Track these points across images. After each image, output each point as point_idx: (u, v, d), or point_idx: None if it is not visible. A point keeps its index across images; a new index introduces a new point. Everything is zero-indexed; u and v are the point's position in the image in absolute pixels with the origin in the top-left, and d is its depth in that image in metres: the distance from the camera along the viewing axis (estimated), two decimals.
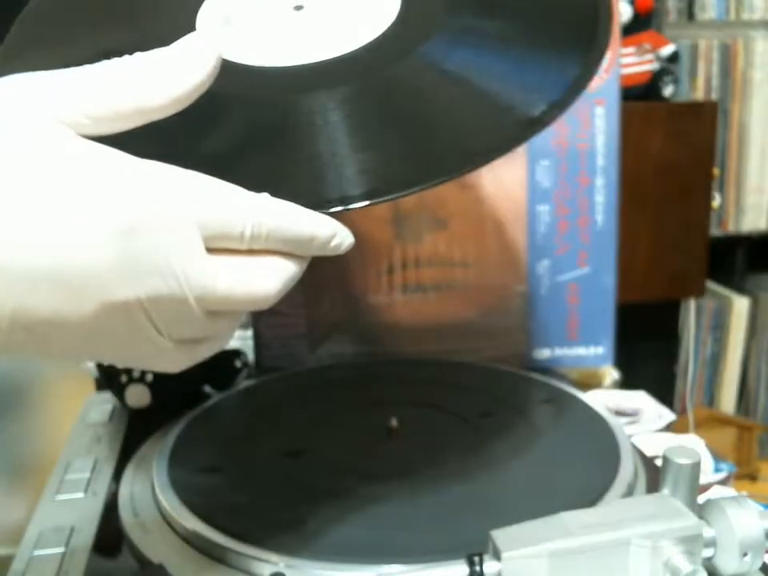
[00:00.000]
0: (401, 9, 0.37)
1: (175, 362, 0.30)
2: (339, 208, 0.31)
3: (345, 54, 0.35)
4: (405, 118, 0.34)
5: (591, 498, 0.39)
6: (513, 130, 0.34)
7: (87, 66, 0.28)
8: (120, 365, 0.30)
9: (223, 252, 0.28)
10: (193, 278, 0.27)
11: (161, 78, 0.28)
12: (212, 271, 0.28)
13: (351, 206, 0.31)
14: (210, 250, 0.28)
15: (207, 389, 0.58)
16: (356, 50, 0.35)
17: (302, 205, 0.30)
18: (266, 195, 0.29)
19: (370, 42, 0.36)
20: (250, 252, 0.29)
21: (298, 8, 0.38)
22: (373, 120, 0.34)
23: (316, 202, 0.31)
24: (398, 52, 0.35)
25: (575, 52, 0.37)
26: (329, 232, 0.31)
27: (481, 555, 0.31)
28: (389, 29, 0.36)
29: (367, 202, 0.31)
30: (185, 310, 0.28)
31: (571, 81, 0.37)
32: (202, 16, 0.37)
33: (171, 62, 0.29)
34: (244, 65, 0.35)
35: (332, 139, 0.33)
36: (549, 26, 0.38)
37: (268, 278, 0.30)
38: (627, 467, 0.43)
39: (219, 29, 0.37)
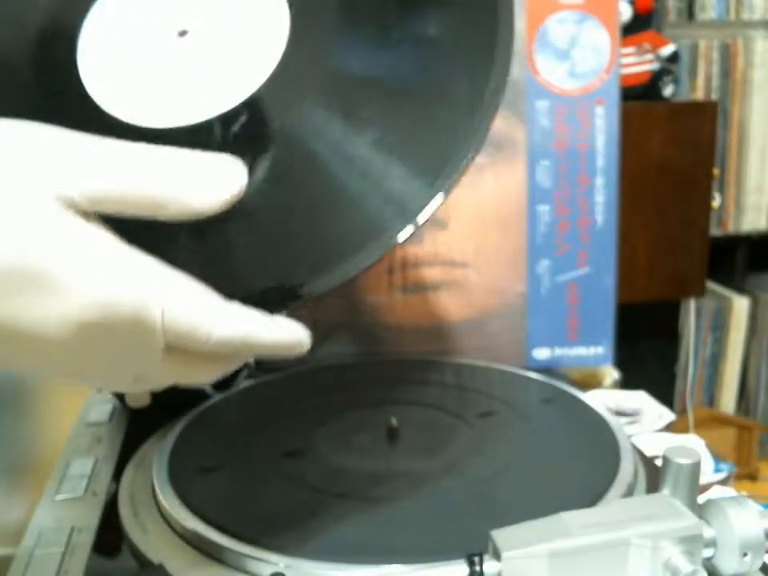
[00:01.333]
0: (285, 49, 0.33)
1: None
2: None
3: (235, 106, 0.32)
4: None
5: (591, 498, 0.39)
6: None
7: (115, 145, 0.27)
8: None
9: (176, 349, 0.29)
10: (145, 376, 0.29)
11: (198, 182, 0.28)
12: (165, 373, 0.29)
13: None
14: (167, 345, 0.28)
15: (207, 389, 0.58)
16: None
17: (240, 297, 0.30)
18: (235, 303, 0.29)
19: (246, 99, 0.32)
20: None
21: (183, 33, 0.34)
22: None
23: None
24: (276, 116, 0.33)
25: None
26: (293, 340, 0.31)
27: (481, 555, 0.31)
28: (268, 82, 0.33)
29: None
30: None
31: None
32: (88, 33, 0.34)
33: (205, 168, 0.28)
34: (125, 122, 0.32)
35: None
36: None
37: (210, 374, 0.31)
38: (627, 467, 0.43)
39: (104, 58, 0.33)
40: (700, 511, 0.33)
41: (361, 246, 0.33)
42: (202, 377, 0.31)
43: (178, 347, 0.29)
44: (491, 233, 0.64)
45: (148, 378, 0.30)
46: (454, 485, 0.42)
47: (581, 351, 0.66)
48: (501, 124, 0.63)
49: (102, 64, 0.34)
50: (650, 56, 1.19)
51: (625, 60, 1.15)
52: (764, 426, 1.65)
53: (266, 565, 0.35)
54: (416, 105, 0.34)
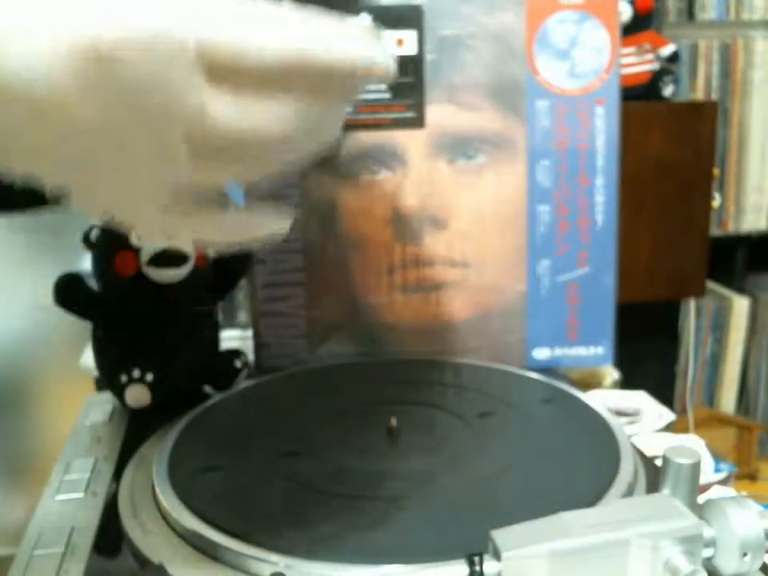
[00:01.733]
0: None
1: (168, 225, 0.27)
2: None
3: None
4: None
5: (591, 498, 0.39)
6: None
7: None
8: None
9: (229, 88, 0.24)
10: (186, 116, 0.23)
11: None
12: (211, 112, 0.24)
13: None
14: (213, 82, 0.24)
15: (207, 389, 0.58)
16: None
17: None
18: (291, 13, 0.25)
19: None
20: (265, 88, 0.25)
21: None
22: None
23: None
24: None
25: None
26: (368, 58, 0.27)
27: (481, 555, 0.31)
28: None
29: None
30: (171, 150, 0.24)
31: None
32: None
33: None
34: None
35: None
36: None
37: (268, 115, 0.26)
38: (627, 467, 0.43)
39: None
40: (700, 511, 0.33)
41: None
42: (259, 117, 0.25)
43: (225, 74, 0.24)
44: (491, 233, 0.64)
45: (200, 134, 0.24)
46: (454, 485, 0.42)
47: (581, 351, 0.66)
48: (501, 124, 0.63)
49: None
50: (649, 56, 1.19)
51: (625, 60, 1.15)
52: (764, 426, 1.65)
53: (266, 565, 0.35)
54: None
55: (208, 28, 0.23)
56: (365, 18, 0.54)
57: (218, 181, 0.27)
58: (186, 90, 0.23)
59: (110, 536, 0.41)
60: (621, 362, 0.70)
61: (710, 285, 1.61)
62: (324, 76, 0.26)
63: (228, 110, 0.24)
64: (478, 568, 0.30)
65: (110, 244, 0.54)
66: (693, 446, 0.58)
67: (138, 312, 0.54)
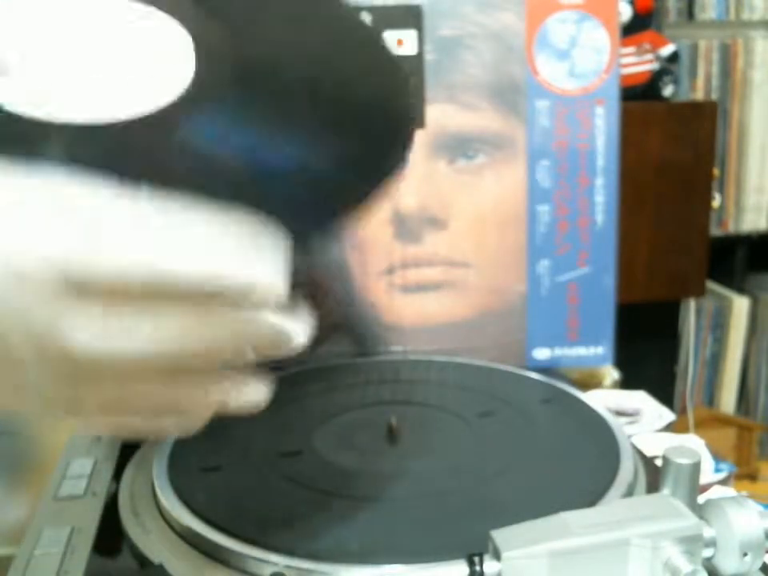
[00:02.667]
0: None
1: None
2: None
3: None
4: None
5: (591, 498, 0.39)
6: None
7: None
8: None
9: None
10: (36, 335, 0.22)
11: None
12: (68, 332, 0.22)
13: None
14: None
15: None
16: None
17: None
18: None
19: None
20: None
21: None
22: None
23: None
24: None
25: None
26: (265, 282, 0.24)
27: (481, 555, 0.31)
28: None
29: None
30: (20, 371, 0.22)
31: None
32: None
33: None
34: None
35: None
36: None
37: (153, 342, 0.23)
38: (627, 467, 0.43)
39: None
40: (700, 511, 0.33)
41: None
42: (126, 338, 0.23)
43: (85, 293, 0.22)
44: (491, 233, 0.64)
45: (57, 354, 0.22)
46: (454, 485, 0.42)
47: (581, 351, 0.66)
48: (501, 124, 0.63)
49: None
50: (649, 56, 1.19)
51: (625, 60, 1.15)
52: (764, 426, 1.65)
53: (265, 565, 0.35)
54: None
55: (64, 246, 0.22)
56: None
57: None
58: (37, 308, 0.22)
59: (109, 536, 0.40)
60: (621, 361, 0.70)
61: (710, 285, 1.61)
62: (193, 294, 0.23)
63: (89, 331, 0.22)
64: (477, 568, 0.30)
65: None
66: (693, 446, 0.58)
67: None
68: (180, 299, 0.23)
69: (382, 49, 0.37)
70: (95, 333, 0.23)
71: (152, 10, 0.34)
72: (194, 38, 0.33)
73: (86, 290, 0.22)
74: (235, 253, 0.24)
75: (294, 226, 0.29)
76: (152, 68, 0.32)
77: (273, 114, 0.32)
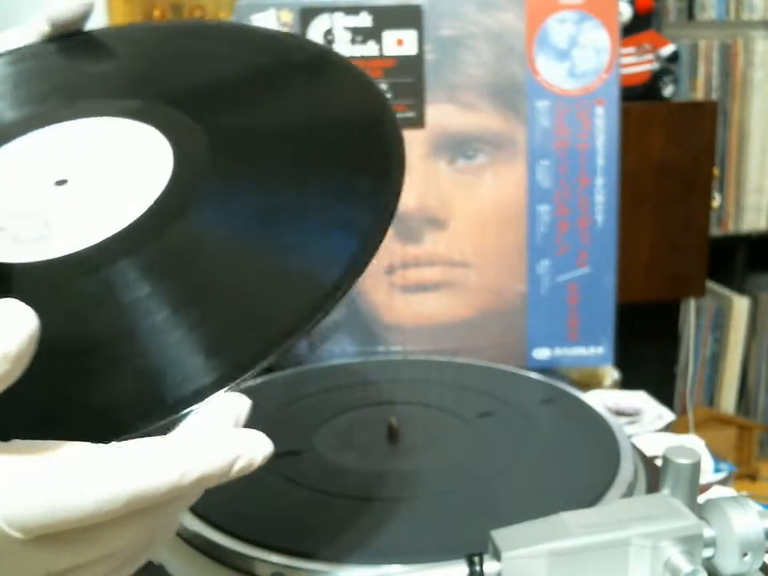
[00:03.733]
0: (173, 173, 0.33)
1: None
2: (196, 406, 0.27)
3: (124, 228, 0.31)
4: (211, 287, 0.30)
5: (591, 498, 0.39)
6: (314, 299, 0.30)
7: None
8: None
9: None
10: None
11: None
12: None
13: (209, 399, 0.27)
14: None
15: None
16: (135, 220, 0.31)
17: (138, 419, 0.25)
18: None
19: (148, 210, 0.32)
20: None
21: (61, 183, 0.33)
22: (185, 290, 0.29)
23: (166, 407, 0.26)
24: (174, 215, 0.31)
25: (368, 208, 0.34)
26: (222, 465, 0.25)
27: (481, 555, 0.31)
28: (161, 195, 0.32)
29: (226, 389, 0.27)
30: None
31: (368, 241, 0.33)
32: None
33: None
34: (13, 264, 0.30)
35: (153, 318, 0.28)
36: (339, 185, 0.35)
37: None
38: (627, 467, 0.43)
39: None
40: (700, 511, 0.33)
41: None
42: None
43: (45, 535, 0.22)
44: (491, 233, 0.64)
45: None
46: (454, 485, 0.42)
47: (581, 351, 0.66)
48: (501, 124, 0.63)
49: None
50: (649, 56, 1.19)
51: (625, 60, 1.15)
52: (764, 426, 1.65)
53: (265, 565, 0.35)
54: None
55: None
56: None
57: None
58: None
59: None
60: (621, 361, 0.70)
61: (710, 285, 1.61)
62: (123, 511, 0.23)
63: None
64: (477, 568, 0.30)
65: None
66: (693, 446, 0.58)
67: None
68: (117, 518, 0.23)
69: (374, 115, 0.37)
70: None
71: (124, 121, 0.36)
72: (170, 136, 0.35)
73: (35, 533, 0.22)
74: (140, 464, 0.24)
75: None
76: (135, 175, 0.33)
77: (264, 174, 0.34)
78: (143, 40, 0.42)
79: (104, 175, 0.34)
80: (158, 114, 0.36)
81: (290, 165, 0.34)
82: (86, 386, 0.27)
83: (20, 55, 0.40)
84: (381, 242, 0.33)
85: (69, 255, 0.30)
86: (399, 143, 0.36)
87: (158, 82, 0.38)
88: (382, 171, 0.36)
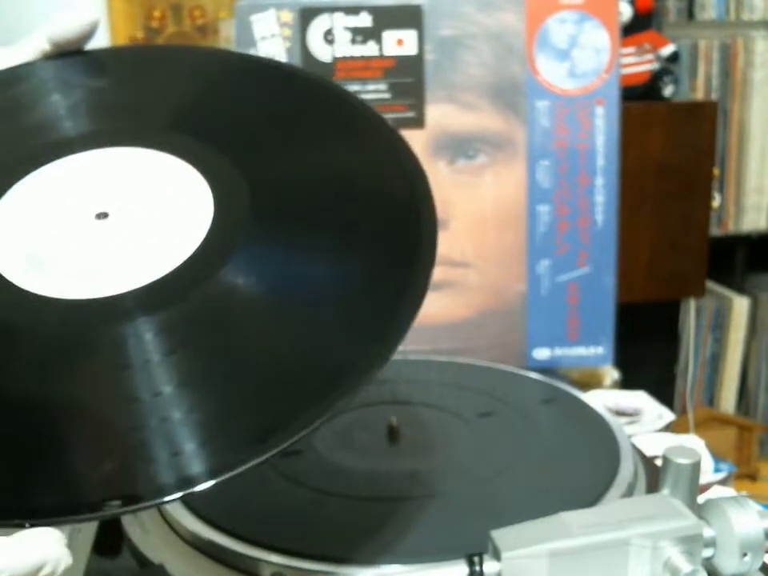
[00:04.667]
0: (213, 219, 0.32)
1: None
2: (179, 494, 0.24)
3: (153, 281, 0.30)
4: (230, 360, 0.28)
5: (591, 498, 0.39)
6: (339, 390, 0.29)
7: None
8: None
9: None
10: None
11: None
12: None
13: (196, 490, 0.24)
14: None
15: None
16: (164, 275, 0.30)
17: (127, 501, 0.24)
18: None
19: (180, 265, 0.30)
20: None
21: (102, 216, 0.32)
22: (200, 360, 0.28)
23: (148, 491, 0.24)
24: (204, 275, 0.30)
25: (394, 292, 0.33)
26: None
27: (481, 555, 0.31)
28: (200, 247, 0.31)
29: (213, 482, 0.25)
30: None
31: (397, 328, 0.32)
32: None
33: None
34: (42, 296, 0.29)
35: (156, 390, 0.26)
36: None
37: None
38: (627, 467, 0.43)
39: (23, 268, 0.31)
40: (700, 511, 0.33)
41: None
42: None
43: None
44: (491, 233, 0.64)
45: None
46: (454, 485, 0.42)
47: (581, 351, 0.66)
48: (501, 124, 0.63)
49: (16, 247, 0.31)
50: (649, 56, 1.19)
51: (625, 60, 1.15)
52: (764, 426, 1.65)
53: (265, 565, 0.35)
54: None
55: None
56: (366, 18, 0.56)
57: None
58: None
59: (109, 536, 0.40)
60: (621, 362, 0.70)
61: (710, 285, 1.61)
62: None
63: None
64: (477, 568, 0.30)
65: None
66: (693, 446, 0.58)
67: None
68: None
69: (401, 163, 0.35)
70: None
71: (167, 157, 0.34)
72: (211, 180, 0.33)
73: None
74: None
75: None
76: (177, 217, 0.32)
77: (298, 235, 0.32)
78: (179, 67, 0.39)
79: (144, 213, 0.32)
80: (195, 150, 0.34)
81: (330, 233, 0.32)
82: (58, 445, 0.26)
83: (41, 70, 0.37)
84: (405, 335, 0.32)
85: (84, 300, 0.29)
86: (434, 228, 0.34)
87: (197, 114, 0.36)
88: (415, 263, 0.33)
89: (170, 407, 0.26)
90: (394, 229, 0.34)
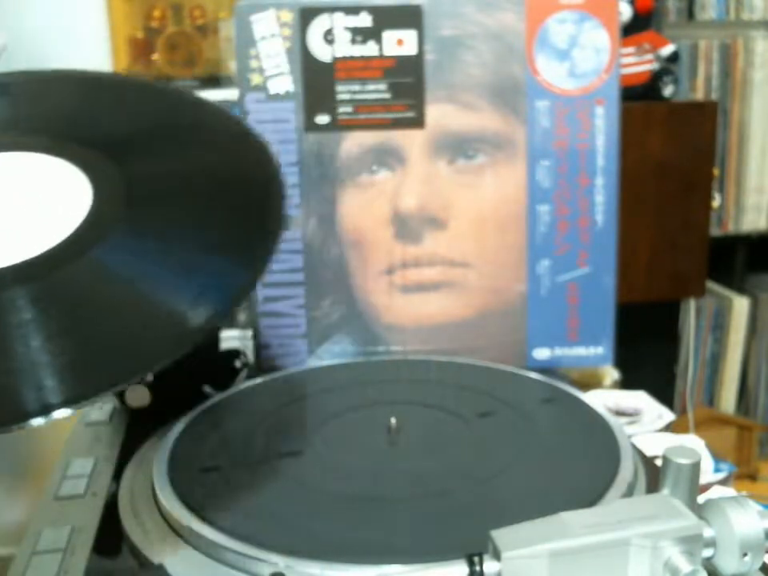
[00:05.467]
0: (90, 208, 0.39)
1: None
2: (41, 419, 0.31)
3: (28, 258, 0.37)
4: (85, 321, 0.35)
5: (591, 498, 0.39)
6: (177, 338, 0.35)
7: None
8: None
9: None
10: None
11: None
12: None
13: (54, 415, 0.31)
14: None
15: (207, 389, 0.58)
16: (39, 254, 0.37)
17: None
18: None
19: (54, 246, 0.37)
20: None
21: None
22: (61, 322, 0.35)
23: (14, 415, 0.31)
24: (74, 254, 0.37)
25: (241, 261, 0.39)
26: None
27: (481, 555, 0.31)
28: (72, 233, 0.38)
29: (70, 411, 0.31)
30: None
31: (235, 290, 0.38)
32: None
33: None
34: None
35: (26, 343, 0.33)
36: (218, 230, 0.40)
37: None
38: (627, 467, 0.43)
39: None
40: (700, 511, 0.33)
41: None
42: None
43: None
44: (491, 233, 0.64)
45: None
46: (454, 485, 0.42)
47: (581, 351, 0.66)
48: (501, 124, 0.63)
49: None
50: (649, 56, 1.19)
51: (625, 60, 1.15)
52: (764, 426, 1.65)
53: (265, 565, 0.35)
54: None
55: None
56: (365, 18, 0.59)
57: None
58: None
59: (109, 536, 0.41)
60: (621, 362, 0.70)
61: (710, 285, 1.61)
62: None
63: None
64: (477, 568, 0.30)
65: None
66: (693, 446, 0.58)
67: None
68: None
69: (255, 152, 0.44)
70: None
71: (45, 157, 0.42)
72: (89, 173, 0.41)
73: None
74: None
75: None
76: (54, 206, 0.39)
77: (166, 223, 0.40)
78: (61, 88, 0.48)
79: (32, 205, 0.39)
80: (75, 151, 0.42)
81: (186, 218, 0.40)
82: None
83: None
84: (247, 295, 0.39)
85: None
86: (280, 205, 0.41)
87: (79, 124, 0.45)
88: (261, 231, 0.40)
89: (38, 355, 0.33)
90: (248, 204, 0.41)
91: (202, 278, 0.38)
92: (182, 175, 0.42)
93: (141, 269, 0.37)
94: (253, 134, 0.44)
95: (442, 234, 0.64)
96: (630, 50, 1.17)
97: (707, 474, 0.65)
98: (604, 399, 0.71)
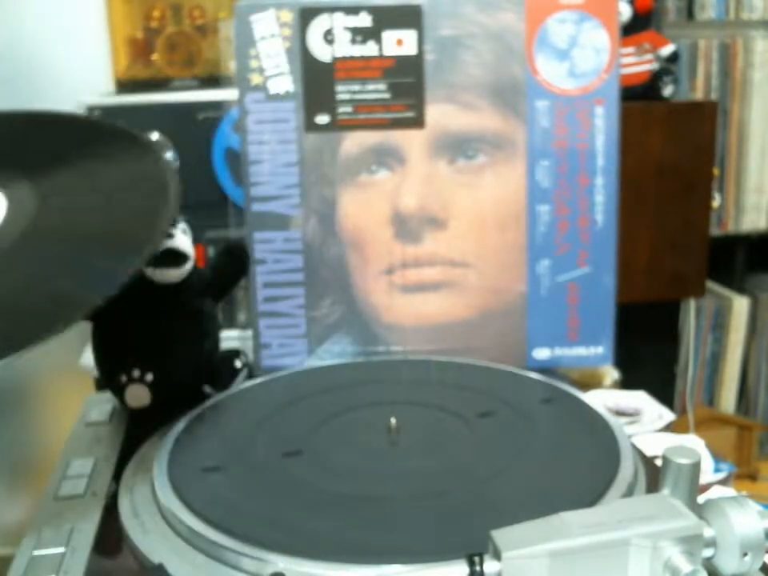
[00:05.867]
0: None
1: None
2: None
3: None
4: None
5: (591, 498, 0.39)
6: (60, 316, 0.39)
7: None
8: None
9: None
10: None
11: None
12: None
13: None
14: None
15: (207, 389, 0.58)
16: None
17: None
18: None
19: None
20: None
21: None
22: None
23: None
24: None
25: (126, 250, 0.44)
26: None
27: (481, 555, 0.31)
28: None
29: None
30: None
31: (117, 277, 0.42)
32: None
33: None
34: None
35: None
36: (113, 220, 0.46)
37: None
38: (627, 467, 0.43)
39: None
40: (700, 511, 0.33)
41: None
42: None
43: None
44: (491, 233, 0.64)
45: None
46: (454, 485, 0.42)
47: (581, 351, 0.66)
48: (500, 124, 0.63)
49: None
50: (649, 56, 1.19)
51: (624, 60, 1.15)
52: (764, 426, 1.65)
53: (266, 565, 0.35)
54: None
55: None
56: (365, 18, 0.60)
57: None
58: None
59: (109, 536, 0.40)
60: (621, 362, 0.70)
61: (710, 285, 1.61)
62: None
63: None
64: (477, 568, 0.30)
65: None
66: (693, 446, 0.58)
67: (138, 312, 0.54)
68: None
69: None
70: None
71: None
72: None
73: None
74: None
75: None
76: None
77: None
78: None
79: None
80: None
81: (84, 217, 0.47)
82: None
83: None
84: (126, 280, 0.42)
85: None
86: (168, 203, 0.46)
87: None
88: (149, 225, 0.45)
89: None
90: (146, 201, 0.47)
91: (89, 264, 0.43)
92: (83, 184, 0.49)
93: (34, 254, 0.42)
94: (145, 141, 0.52)
95: (441, 234, 0.64)
96: (630, 49, 1.17)
97: (707, 473, 0.65)
98: (604, 399, 0.71)
